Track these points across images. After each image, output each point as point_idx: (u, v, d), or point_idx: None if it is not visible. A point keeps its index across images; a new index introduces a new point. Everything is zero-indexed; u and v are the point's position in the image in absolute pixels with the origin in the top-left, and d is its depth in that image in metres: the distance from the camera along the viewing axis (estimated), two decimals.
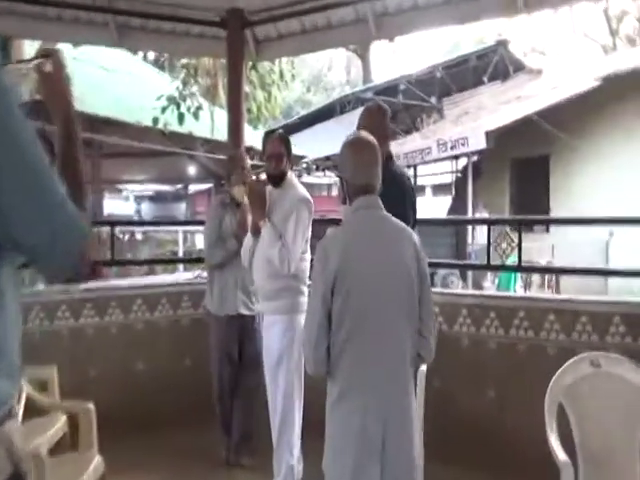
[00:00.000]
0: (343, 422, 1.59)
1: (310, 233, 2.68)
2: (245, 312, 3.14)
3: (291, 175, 2.75)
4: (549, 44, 26.60)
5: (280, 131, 2.87)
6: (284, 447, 2.62)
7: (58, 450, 2.59)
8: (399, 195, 2.24)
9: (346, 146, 1.74)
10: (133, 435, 3.24)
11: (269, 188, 2.74)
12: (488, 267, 3.43)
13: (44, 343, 3.37)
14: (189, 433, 3.40)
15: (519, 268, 3.18)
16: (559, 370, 2.17)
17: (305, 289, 2.64)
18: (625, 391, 2.05)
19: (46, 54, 1.08)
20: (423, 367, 2.50)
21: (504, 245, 3.12)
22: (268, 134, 2.79)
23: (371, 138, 1.75)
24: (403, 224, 1.73)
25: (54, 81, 1.07)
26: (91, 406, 2.56)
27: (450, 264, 7.20)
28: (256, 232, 2.74)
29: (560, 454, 1.90)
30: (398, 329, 1.61)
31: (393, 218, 1.71)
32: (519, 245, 3.10)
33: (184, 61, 7.68)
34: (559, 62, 22.52)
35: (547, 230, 8.31)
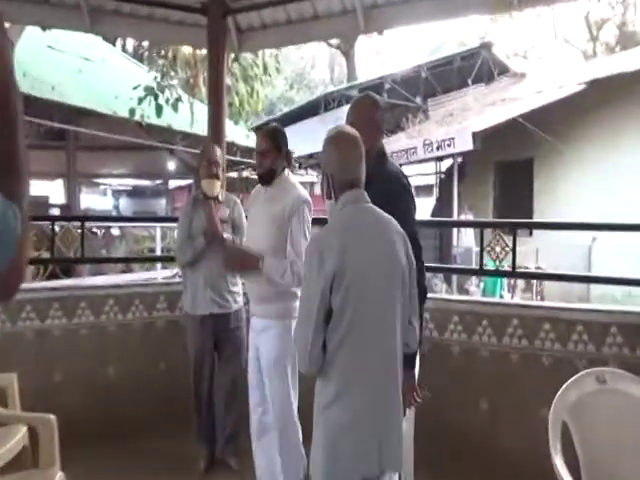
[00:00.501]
0: (341, 420, 1.55)
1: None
2: (218, 311, 3.01)
3: (286, 173, 2.54)
4: (531, 48, 26.93)
5: (271, 125, 2.71)
6: (291, 447, 2.49)
7: (17, 466, 2.37)
8: (397, 194, 2.08)
9: (329, 141, 1.70)
10: (103, 445, 3.05)
11: (256, 189, 2.62)
12: (481, 272, 3.31)
13: (5, 346, 3.12)
14: (164, 442, 3.21)
15: (513, 274, 3.07)
16: (563, 386, 2.05)
17: (298, 293, 2.49)
18: (632, 408, 1.93)
19: None
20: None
21: (498, 249, 2.97)
22: (257, 129, 2.68)
23: (353, 131, 1.72)
24: (389, 215, 1.71)
25: None
26: (52, 418, 2.34)
27: (443, 268, 7.10)
28: (210, 242, 2.86)
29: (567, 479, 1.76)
30: (394, 321, 1.62)
31: (379, 210, 1.69)
32: (513, 250, 2.98)
33: (162, 50, 7.41)
34: (541, 66, 22.80)
35: (530, 234, 8.28)
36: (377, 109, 2.24)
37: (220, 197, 3.08)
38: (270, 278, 2.34)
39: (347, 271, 1.52)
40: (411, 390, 1.97)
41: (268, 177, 2.51)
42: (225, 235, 2.96)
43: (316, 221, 2.56)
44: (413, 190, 2.28)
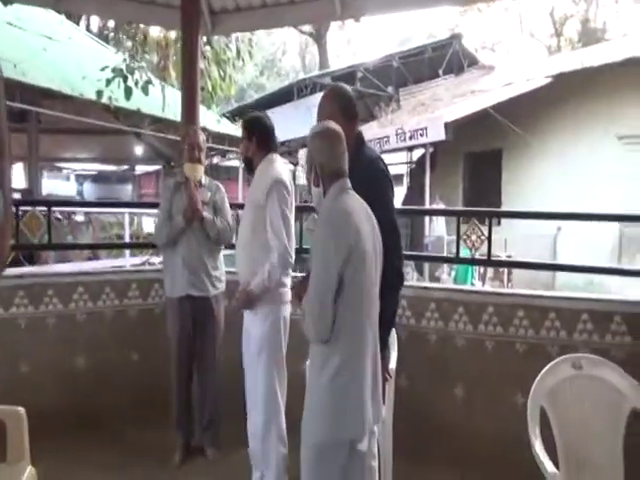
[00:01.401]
0: (348, 388, 1.70)
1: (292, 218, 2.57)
2: (195, 293, 2.98)
3: (267, 158, 2.58)
4: (498, 42, 27.36)
5: (251, 113, 2.75)
6: (273, 436, 2.51)
7: None
8: (376, 180, 2.08)
9: (318, 135, 1.86)
10: (73, 437, 2.98)
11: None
12: (457, 260, 3.35)
13: None
14: (138, 433, 3.17)
15: (488, 262, 3.12)
16: (541, 373, 2.09)
17: (286, 280, 2.53)
18: (607, 394, 1.99)
19: None
20: (392, 365, 2.39)
21: (474, 237, 3.01)
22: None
23: (338, 127, 1.87)
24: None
25: None
26: (21, 410, 2.25)
27: (419, 256, 7.15)
28: (189, 220, 2.90)
29: (547, 464, 1.81)
30: (377, 295, 1.82)
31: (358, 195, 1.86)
32: (489, 238, 3.03)
33: (132, 31, 7.15)
34: (508, 59, 23.21)
35: (499, 223, 8.45)
36: (349, 98, 2.26)
37: (203, 181, 3.07)
38: (266, 288, 2.45)
39: (358, 249, 1.69)
40: (384, 368, 2.02)
41: (249, 165, 2.62)
42: (205, 214, 2.95)
43: (300, 209, 2.56)
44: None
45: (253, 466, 2.64)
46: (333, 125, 1.87)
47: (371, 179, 2.05)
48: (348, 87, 2.41)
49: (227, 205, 3.10)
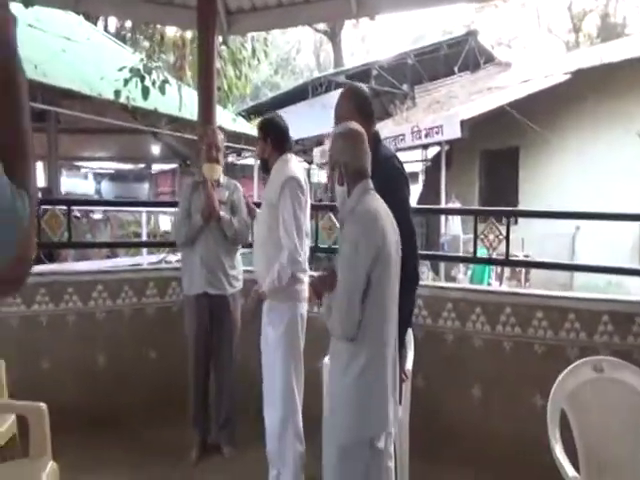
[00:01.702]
0: (373, 388, 1.73)
1: (308, 215, 2.62)
2: (212, 291, 3.00)
3: (282, 158, 2.61)
4: (515, 38, 27.02)
5: (266, 115, 2.80)
6: (290, 434, 2.52)
7: (6, 456, 2.33)
8: (392, 179, 2.08)
9: (342, 135, 1.87)
10: (93, 434, 3.02)
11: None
12: (475, 260, 3.32)
13: None
14: (155, 429, 3.20)
15: (506, 262, 3.09)
16: (560, 375, 2.06)
17: (303, 277, 2.54)
18: (628, 397, 1.96)
19: None
20: (409, 365, 2.38)
21: (491, 237, 2.99)
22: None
23: (360, 128, 1.89)
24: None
25: None
26: (43, 406, 2.29)
27: (435, 256, 7.10)
28: (207, 220, 2.94)
29: (568, 468, 1.78)
30: (397, 295, 1.85)
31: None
32: (507, 238, 3.00)
33: (149, 31, 7.22)
34: (525, 56, 22.91)
35: (516, 222, 8.36)
36: (365, 98, 2.28)
37: (221, 180, 3.11)
38: (277, 287, 2.46)
39: (384, 250, 1.73)
40: (401, 368, 2.04)
41: (264, 165, 2.67)
42: (222, 214, 2.98)
43: (315, 208, 2.57)
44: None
45: (270, 464, 2.66)
46: (356, 125, 1.90)
47: (387, 178, 2.05)
48: (364, 87, 2.43)
49: (244, 205, 3.12)
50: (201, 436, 3.08)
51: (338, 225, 1.90)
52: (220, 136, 3.12)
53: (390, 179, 2.09)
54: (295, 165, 2.62)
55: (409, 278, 1.96)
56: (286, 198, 2.44)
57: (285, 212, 2.44)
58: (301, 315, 2.56)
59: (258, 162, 14.40)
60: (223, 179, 3.14)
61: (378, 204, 1.81)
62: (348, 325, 1.69)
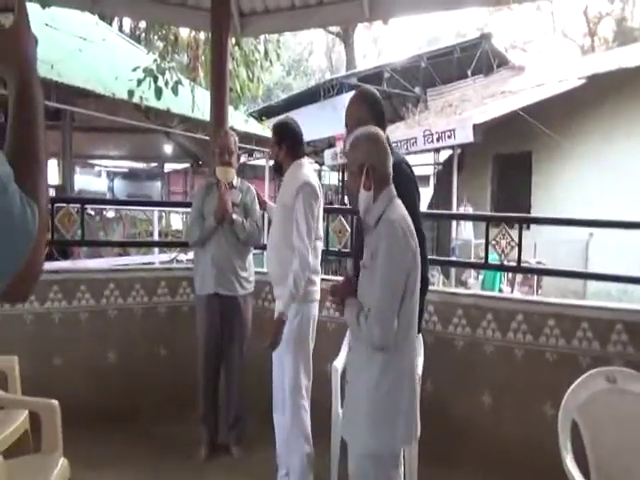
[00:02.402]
0: (403, 396, 1.73)
1: (321, 219, 2.64)
2: (223, 292, 3.02)
3: (300, 162, 2.64)
4: (529, 41, 26.84)
5: (281, 118, 2.83)
6: (298, 434, 2.54)
7: (18, 451, 2.35)
8: (401, 185, 2.07)
9: (366, 138, 1.82)
10: (103, 431, 3.04)
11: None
12: (486, 266, 3.31)
13: (4, 329, 3.10)
14: (165, 427, 3.23)
15: (518, 269, 3.07)
16: (572, 385, 2.04)
17: (315, 278, 2.55)
18: None
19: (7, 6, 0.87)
20: (419, 371, 2.38)
21: (503, 243, 2.97)
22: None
23: (380, 131, 1.86)
24: None
25: (13, 34, 0.85)
26: (55, 403, 2.32)
27: (446, 261, 7.07)
28: (220, 220, 2.94)
29: (579, 479, 1.76)
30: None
31: None
32: (519, 244, 2.98)
33: (163, 32, 7.26)
34: (540, 59, 22.75)
35: (528, 228, 8.27)
36: (377, 102, 2.28)
37: (234, 182, 3.12)
38: (296, 295, 2.45)
39: (415, 257, 1.73)
40: None
41: (278, 169, 2.70)
42: (234, 216, 2.99)
43: (327, 210, 2.60)
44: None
45: (279, 464, 2.67)
46: (376, 129, 1.87)
47: (397, 183, 2.05)
48: (375, 90, 2.44)
49: (257, 206, 3.14)
50: (210, 435, 3.09)
51: (363, 229, 1.89)
52: (233, 138, 3.13)
53: (400, 185, 2.08)
54: (309, 170, 2.66)
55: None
56: (300, 203, 2.48)
57: (299, 216, 2.47)
58: (313, 316, 2.58)
59: (270, 163, 14.47)
60: (236, 181, 3.15)
61: (405, 211, 1.80)
62: (389, 335, 1.66)
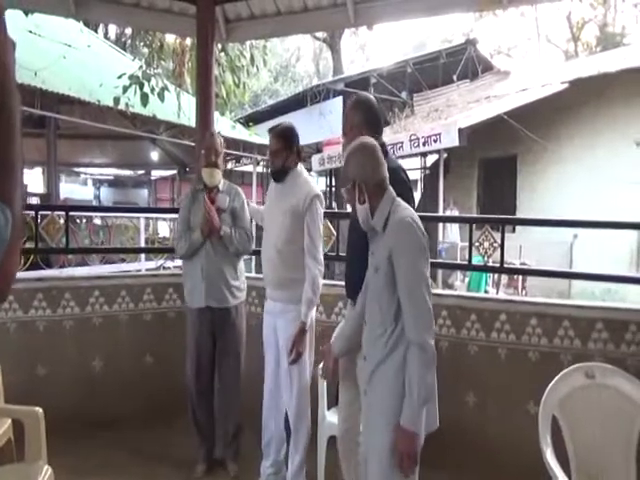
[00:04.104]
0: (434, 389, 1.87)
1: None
2: (215, 305, 2.90)
3: (299, 168, 2.66)
4: (514, 47, 27.21)
5: (283, 124, 2.74)
6: (304, 428, 2.59)
7: (1, 460, 2.33)
8: (400, 188, 2.09)
9: (355, 152, 1.85)
10: (88, 440, 3.02)
11: (271, 185, 2.76)
12: (470, 267, 3.34)
13: None
14: (152, 435, 3.19)
15: (501, 269, 3.10)
16: (553, 381, 2.07)
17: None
18: (620, 404, 1.97)
19: None
20: None
21: (487, 244, 3.01)
22: (270, 131, 2.70)
23: (371, 140, 1.89)
24: None
25: None
26: (39, 411, 2.30)
27: (432, 263, 7.09)
28: (207, 235, 2.87)
29: (559, 473, 1.79)
30: None
31: None
32: (502, 245, 3.02)
33: (149, 38, 7.27)
34: (524, 64, 23.05)
35: (513, 230, 8.39)
36: (373, 109, 2.30)
37: (220, 186, 3.00)
38: (315, 302, 2.56)
39: (428, 247, 1.79)
40: None
41: (281, 174, 2.64)
42: (223, 227, 2.88)
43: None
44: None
45: (265, 454, 2.70)
46: (367, 139, 1.90)
47: (395, 189, 2.08)
48: (371, 97, 2.42)
49: (247, 211, 3.03)
50: (206, 450, 2.98)
51: (368, 238, 1.92)
52: (218, 139, 3.04)
53: (395, 190, 2.11)
54: (310, 177, 2.71)
55: None
56: (313, 214, 2.55)
57: (312, 226, 2.55)
58: (311, 318, 2.59)
59: (258, 169, 14.44)
60: (223, 184, 3.02)
61: (409, 207, 1.85)
62: (431, 329, 1.75)
